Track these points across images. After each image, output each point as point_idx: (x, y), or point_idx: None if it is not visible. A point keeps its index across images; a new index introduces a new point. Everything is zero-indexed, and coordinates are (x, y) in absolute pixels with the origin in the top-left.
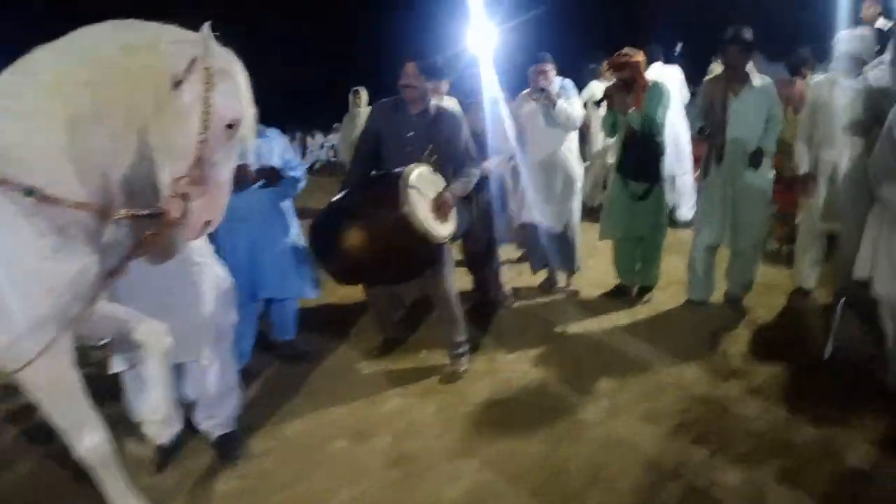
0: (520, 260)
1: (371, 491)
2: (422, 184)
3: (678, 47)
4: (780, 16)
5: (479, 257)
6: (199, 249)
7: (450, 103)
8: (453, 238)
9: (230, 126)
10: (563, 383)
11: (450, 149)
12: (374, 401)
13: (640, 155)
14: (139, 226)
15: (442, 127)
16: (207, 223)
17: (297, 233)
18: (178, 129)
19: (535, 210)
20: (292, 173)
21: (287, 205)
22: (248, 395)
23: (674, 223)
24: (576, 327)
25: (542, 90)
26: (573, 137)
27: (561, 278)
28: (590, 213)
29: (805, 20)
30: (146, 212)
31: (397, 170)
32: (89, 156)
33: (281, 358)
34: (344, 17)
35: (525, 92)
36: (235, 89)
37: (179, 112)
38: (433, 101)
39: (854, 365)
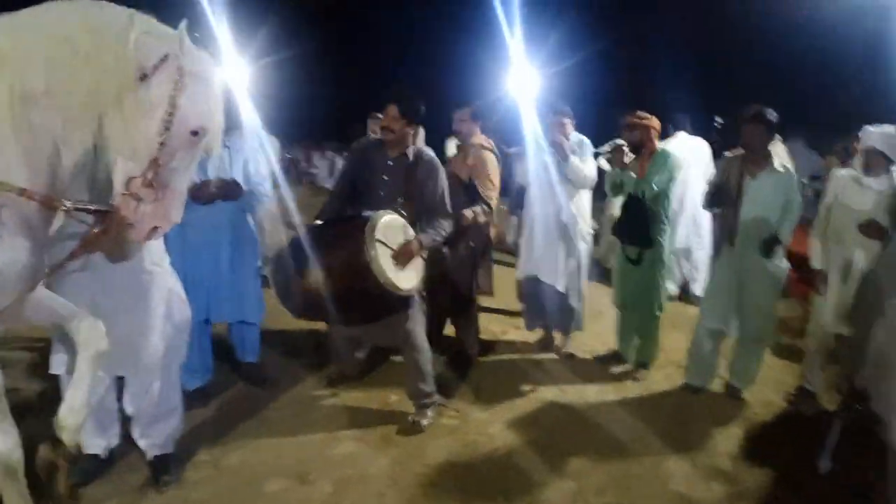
0: (518, 314)
1: None
2: (389, 232)
3: (718, 120)
4: (845, 105)
5: (456, 307)
6: (153, 257)
7: (486, 144)
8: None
9: (195, 133)
10: (532, 455)
11: (424, 196)
12: (326, 441)
13: (633, 218)
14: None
15: (418, 172)
16: (156, 228)
17: (257, 250)
18: (137, 127)
19: (535, 265)
20: (256, 186)
21: (251, 221)
22: (199, 416)
23: (686, 298)
24: (559, 394)
25: (556, 144)
26: (584, 195)
27: (558, 339)
28: (605, 274)
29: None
30: (94, 207)
31: (366, 214)
32: (36, 137)
33: (244, 380)
34: (387, 55)
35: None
36: (206, 95)
37: (141, 108)
38: (413, 146)
39: (850, 487)
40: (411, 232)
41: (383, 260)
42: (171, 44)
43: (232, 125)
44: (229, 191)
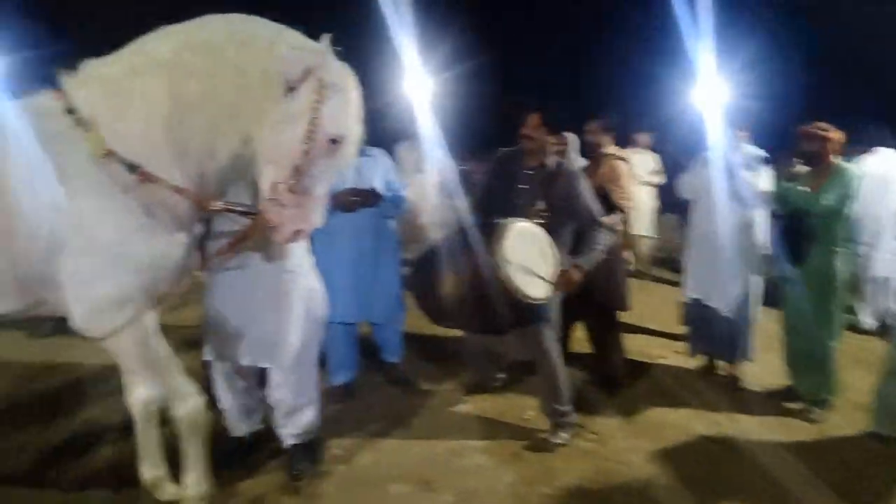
0: (681, 338)
1: None
2: (522, 240)
3: None
4: None
5: (595, 323)
6: (296, 258)
7: (620, 154)
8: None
9: (334, 141)
10: (676, 491)
11: (567, 207)
12: (455, 450)
13: (797, 236)
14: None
15: (558, 183)
16: (298, 231)
17: (399, 256)
18: (282, 136)
19: (700, 287)
20: (395, 194)
21: (393, 226)
22: (340, 411)
23: (885, 333)
24: (716, 427)
25: (727, 157)
26: (758, 212)
27: (722, 368)
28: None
29: None
30: (241, 208)
31: (501, 221)
32: (189, 143)
33: (386, 380)
34: (572, 61)
35: (706, 153)
36: (345, 105)
37: (287, 119)
38: (553, 157)
39: None
40: (546, 242)
41: (513, 267)
42: (314, 57)
43: (408, 135)
44: (368, 199)
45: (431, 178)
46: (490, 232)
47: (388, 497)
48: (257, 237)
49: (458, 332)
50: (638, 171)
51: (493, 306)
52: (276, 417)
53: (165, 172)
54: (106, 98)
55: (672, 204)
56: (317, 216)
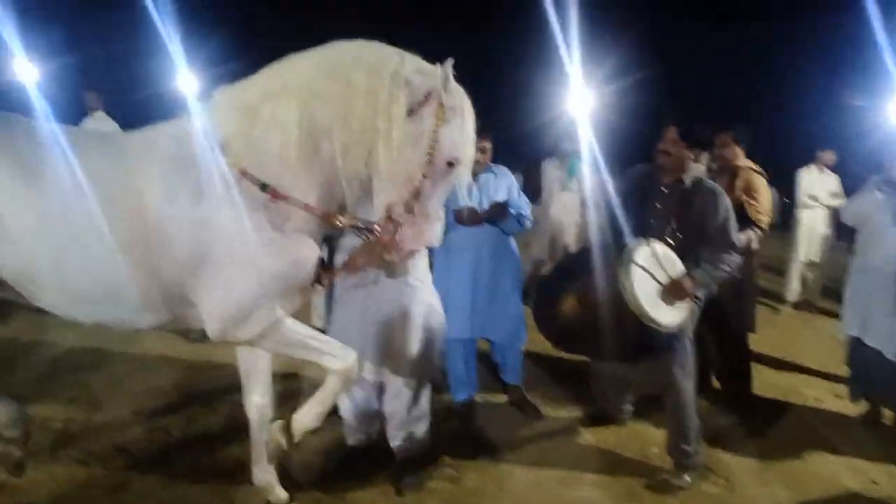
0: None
1: None
2: (652, 262)
3: None
4: None
5: (727, 348)
6: (417, 273)
7: (755, 167)
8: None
9: (450, 164)
10: None
11: (703, 227)
12: (568, 480)
13: None
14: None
15: (695, 202)
16: (413, 250)
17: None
18: (403, 157)
19: (861, 323)
20: (517, 211)
21: (514, 244)
22: (456, 428)
23: None
24: (869, 484)
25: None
26: None
27: (889, 416)
28: None
29: None
30: (363, 225)
31: (630, 241)
32: (318, 164)
33: (508, 402)
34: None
35: (876, 178)
36: (462, 129)
37: (408, 140)
38: (692, 173)
39: None
40: (680, 264)
41: (639, 290)
42: (435, 81)
43: (556, 152)
44: (496, 212)
45: (576, 195)
46: (619, 253)
47: None
48: (376, 253)
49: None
50: (817, 191)
51: (618, 332)
52: (389, 429)
53: (295, 191)
54: (240, 122)
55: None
56: (431, 235)
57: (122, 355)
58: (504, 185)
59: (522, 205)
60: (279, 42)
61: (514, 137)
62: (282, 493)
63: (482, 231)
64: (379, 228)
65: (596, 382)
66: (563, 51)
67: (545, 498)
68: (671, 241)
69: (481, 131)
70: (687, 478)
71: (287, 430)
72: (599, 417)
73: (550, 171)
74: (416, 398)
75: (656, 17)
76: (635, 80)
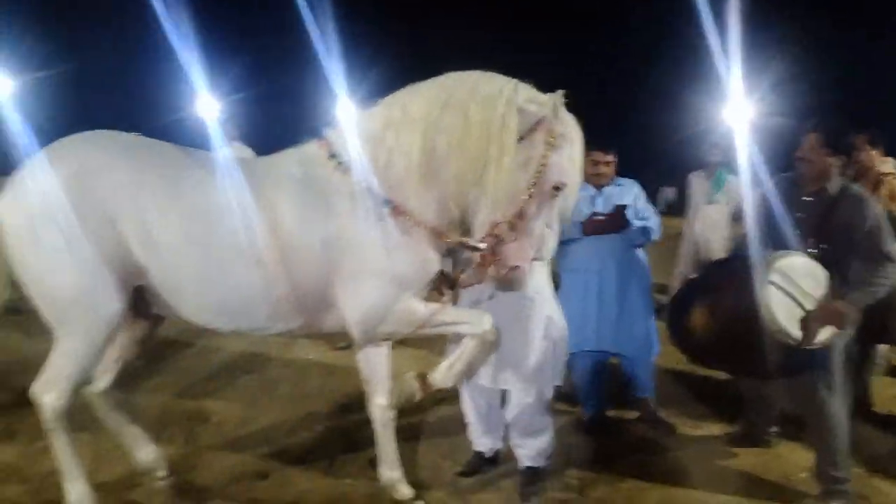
0: None
1: None
2: (792, 275)
3: None
4: None
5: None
6: (536, 285)
7: None
8: None
9: (556, 188)
10: None
11: (848, 237)
12: (699, 501)
13: None
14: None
15: (841, 212)
16: (514, 268)
17: (649, 285)
18: (511, 181)
19: None
20: (644, 223)
21: (642, 256)
22: (584, 441)
23: None
24: None
25: None
26: None
27: None
28: None
29: None
30: (472, 243)
31: (772, 253)
32: (435, 186)
33: (640, 417)
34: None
35: None
36: (570, 155)
37: (517, 165)
38: (837, 181)
39: None
40: (823, 278)
41: (777, 305)
42: (546, 110)
43: (702, 164)
44: (615, 217)
45: (723, 208)
46: (760, 265)
47: None
48: (482, 269)
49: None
50: None
51: (755, 348)
52: (512, 437)
53: (414, 208)
54: (365, 147)
55: None
56: (532, 253)
57: (278, 360)
58: (629, 197)
59: (649, 216)
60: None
61: (666, 150)
62: (406, 490)
63: (608, 243)
64: (483, 245)
65: (743, 400)
66: (716, 59)
67: None
68: (816, 253)
69: (606, 145)
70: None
71: (423, 381)
72: (744, 438)
73: (697, 184)
74: (537, 409)
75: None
76: (790, 87)
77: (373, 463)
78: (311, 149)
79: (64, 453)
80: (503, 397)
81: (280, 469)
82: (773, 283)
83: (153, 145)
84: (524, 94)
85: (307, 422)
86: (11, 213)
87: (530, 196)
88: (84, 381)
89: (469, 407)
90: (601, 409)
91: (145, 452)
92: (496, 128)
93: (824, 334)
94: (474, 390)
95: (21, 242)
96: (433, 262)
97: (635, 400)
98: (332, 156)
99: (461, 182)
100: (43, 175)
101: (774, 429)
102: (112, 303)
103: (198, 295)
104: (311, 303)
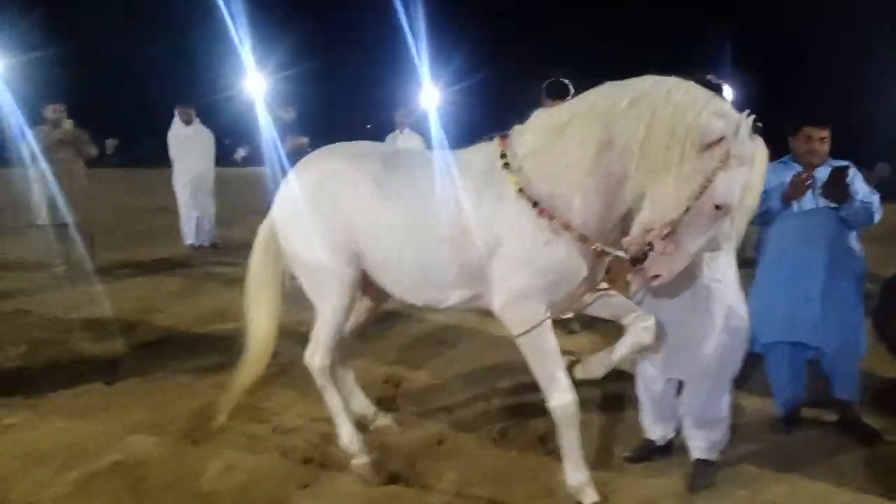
0: None
1: None
2: None
3: None
4: None
5: None
6: (715, 273)
7: None
8: None
9: (718, 207)
10: None
11: None
12: None
13: None
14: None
15: None
16: (657, 276)
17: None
18: (674, 188)
19: None
20: (864, 202)
21: (857, 242)
22: (771, 441)
23: None
24: None
25: None
26: None
27: None
28: None
29: None
30: (616, 252)
31: None
32: (603, 183)
33: (839, 422)
34: None
35: None
36: (740, 178)
37: (686, 175)
38: None
39: None
40: None
41: None
42: (730, 126)
43: None
44: (838, 184)
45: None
46: None
47: None
48: (624, 272)
49: None
50: None
51: None
52: (685, 427)
53: (570, 208)
54: (543, 140)
55: None
56: (678, 267)
57: (470, 333)
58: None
59: (870, 198)
60: None
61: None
62: (592, 495)
63: (818, 223)
64: (625, 255)
65: None
66: None
67: None
68: None
69: (821, 119)
70: None
71: (569, 368)
72: None
73: None
74: (712, 400)
75: None
76: None
77: (542, 439)
78: (493, 145)
79: (333, 401)
80: (679, 386)
81: (453, 436)
82: None
83: (374, 150)
84: (715, 107)
85: (486, 394)
86: (280, 207)
87: (688, 209)
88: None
89: (643, 393)
90: (796, 408)
91: (358, 402)
92: (683, 135)
93: None
94: (649, 377)
95: (287, 230)
96: (576, 262)
97: (836, 403)
98: (503, 155)
99: (633, 180)
100: (297, 179)
101: None
102: (349, 271)
103: (397, 271)
104: (480, 276)
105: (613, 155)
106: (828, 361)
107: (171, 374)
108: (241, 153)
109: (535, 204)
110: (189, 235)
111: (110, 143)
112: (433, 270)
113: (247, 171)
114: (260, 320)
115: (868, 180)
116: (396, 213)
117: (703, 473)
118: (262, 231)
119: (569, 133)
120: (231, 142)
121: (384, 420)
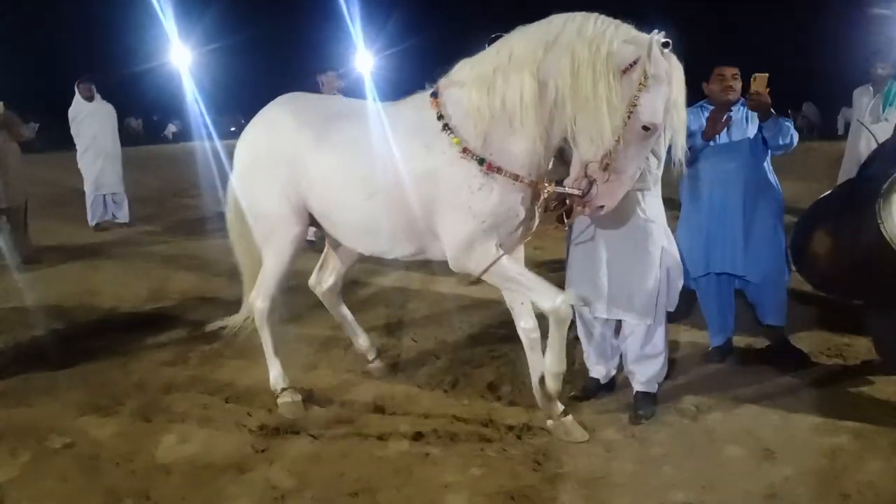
0: None
1: None
2: None
3: None
4: None
5: None
6: (648, 214)
7: None
8: None
9: (646, 128)
10: None
11: None
12: (820, 428)
13: None
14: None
15: None
16: (602, 207)
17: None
18: (603, 119)
19: None
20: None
21: (773, 175)
22: (710, 371)
23: None
24: None
25: None
26: None
27: None
28: None
29: None
30: (568, 190)
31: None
32: (539, 130)
33: (768, 347)
34: None
35: None
36: (662, 96)
37: (610, 104)
38: None
39: None
40: None
41: None
42: (642, 48)
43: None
44: (757, 97)
45: (890, 126)
46: (873, 187)
47: (721, 457)
48: (573, 207)
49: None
50: None
51: (882, 274)
52: (626, 364)
53: (511, 158)
54: (475, 95)
55: None
56: (620, 195)
57: (417, 294)
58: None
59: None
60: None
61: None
62: (558, 409)
63: (735, 160)
64: (577, 191)
65: (877, 331)
66: None
67: (792, 443)
68: None
69: (728, 60)
70: None
71: (545, 392)
72: (881, 367)
73: (861, 101)
74: (650, 337)
75: None
76: None
77: (490, 387)
78: (423, 97)
79: (267, 343)
80: (617, 325)
81: (406, 390)
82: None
83: (320, 101)
84: (624, 34)
85: (434, 350)
86: (238, 157)
87: (621, 135)
88: (281, 288)
89: (584, 335)
90: (728, 338)
91: (360, 339)
92: (600, 68)
93: None
94: (589, 319)
95: (240, 180)
96: (515, 201)
97: (765, 329)
98: (440, 116)
99: (559, 123)
100: (252, 129)
101: None
102: (294, 227)
103: (341, 222)
104: (420, 231)
105: (548, 100)
106: (754, 290)
107: (113, 355)
108: (171, 129)
109: (482, 161)
110: (95, 215)
111: (32, 126)
112: (371, 223)
113: (179, 147)
114: (245, 264)
115: (794, 120)
116: (332, 166)
117: (644, 405)
118: (231, 184)
119: (500, 86)
120: (160, 118)
121: (378, 364)
